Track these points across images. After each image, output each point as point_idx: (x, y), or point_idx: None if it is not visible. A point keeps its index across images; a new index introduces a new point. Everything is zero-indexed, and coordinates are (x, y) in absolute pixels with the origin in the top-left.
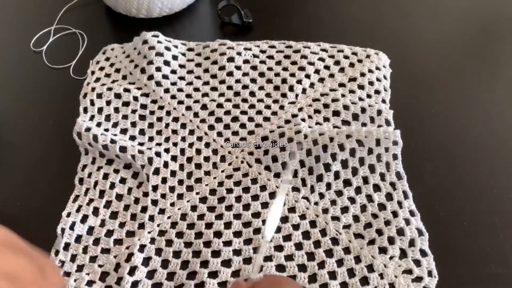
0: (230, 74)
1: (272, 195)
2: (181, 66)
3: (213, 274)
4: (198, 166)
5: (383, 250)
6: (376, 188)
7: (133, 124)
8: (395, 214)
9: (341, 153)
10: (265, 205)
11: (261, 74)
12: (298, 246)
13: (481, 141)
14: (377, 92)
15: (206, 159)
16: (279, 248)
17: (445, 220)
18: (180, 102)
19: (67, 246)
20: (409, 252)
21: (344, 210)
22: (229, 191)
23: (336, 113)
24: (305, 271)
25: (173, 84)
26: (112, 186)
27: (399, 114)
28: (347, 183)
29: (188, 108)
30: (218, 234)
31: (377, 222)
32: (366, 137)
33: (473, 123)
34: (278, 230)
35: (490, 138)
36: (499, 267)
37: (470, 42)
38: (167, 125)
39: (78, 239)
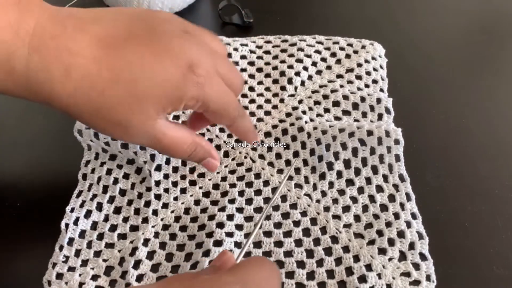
0: None
1: (275, 190)
2: None
3: None
4: None
5: (382, 251)
6: (379, 188)
7: None
8: (396, 216)
9: (343, 152)
10: (267, 200)
11: (259, 70)
12: (298, 243)
13: (482, 142)
14: (374, 81)
15: None
16: (278, 243)
17: (447, 221)
18: None
19: (71, 241)
20: (408, 255)
21: (346, 209)
22: (232, 185)
23: (336, 104)
24: (304, 268)
25: None
26: (116, 181)
27: (401, 114)
28: (350, 182)
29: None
30: (220, 225)
31: (378, 223)
32: (368, 136)
33: (475, 124)
34: (279, 225)
35: (491, 139)
36: (501, 268)
37: (472, 42)
38: None
39: (82, 234)
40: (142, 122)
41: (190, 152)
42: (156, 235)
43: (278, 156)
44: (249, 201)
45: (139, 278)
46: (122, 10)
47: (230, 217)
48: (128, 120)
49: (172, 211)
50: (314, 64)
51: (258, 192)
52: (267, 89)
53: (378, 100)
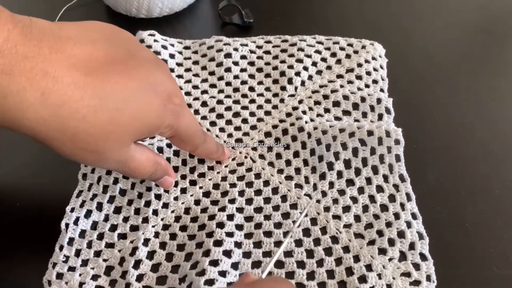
0: (228, 70)
1: (275, 190)
2: (179, 64)
3: (214, 263)
4: (201, 161)
5: (382, 251)
6: (379, 189)
7: None
8: (397, 216)
9: (343, 152)
10: (267, 200)
11: (259, 70)
12: (298, 243)
13: (483, 142)
14: (374, 81)
15: None
16: (278, 244)
17: (447, 221)
18: None
19: (71, 241)
20: (408, 255)
21: (346, 209)
22: (233, 185)
23: (336, 104)
24: (304, 268)
25: None
26: (116, 181)
27: (401, 114)
28: (350, 182)
29: (188, 105)
30: (220, 225)
31: (378, 223)
32: (368, 136)
33: (476, 124)
34: (279, 226)
35: (492, 139)
36: (501, 268)
37: (473, 42)
38: None
39: (82, 234)
40: (117, 149)
41: (151, 172)
42: (156, 235)
43: (279, 156)
44: (249, 201)
45: (139, 278)
46: (97, 27)
47: (230, 217)
48: (103, 147)
49: (172, 211)
50: (314, 64)
51: (258, 192)
52: (267, 89)
53: (378, 100)
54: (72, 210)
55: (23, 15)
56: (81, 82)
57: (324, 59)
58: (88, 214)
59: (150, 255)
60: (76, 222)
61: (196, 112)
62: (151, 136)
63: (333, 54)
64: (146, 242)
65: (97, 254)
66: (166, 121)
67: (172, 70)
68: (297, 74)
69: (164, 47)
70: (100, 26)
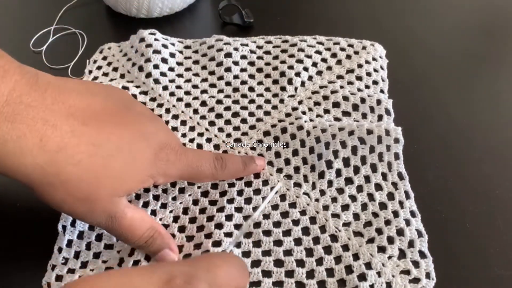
0: (228, 70)
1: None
2: (179, 63)
3: None
4: None
5: (382, 249)
6: (378, 187)
7: None
8: (395, 214)
9: (343, 150)
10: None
11: (259, 70)
12: (297, 242)
13: (484, 142)
14: (375, 82)
15: None
16: (278, 242)
17: (447, 222)
18: (179, 99)
19: (70, 243)
20: (408, 253)
21: (345, 207)
22: (231, 185)
23: (336, 105)
24: (303, 267)
25: (171, 81)
26: None
27: (401, 114)
28: (349, 180)
29: (188, 105)
30: (219, 226)
31: (377, 221)
32: (368, 134)
33: (477, 124)
34: (279, 224)
35: (493, 139)
36: (502, 268)
37: (474, 42)
38: (167, 122)
39: (81, 235)
40: (109, 198)
41: (147, 238)
42: None
43: (278, 155)
44: (248, 201)
45: None
46: (97, 84)
47: (229, 217)
48: (95, 194)
49: (171, 211)
50: (314, 64)
51: (257, 192)
52: (267, 89)
53: (378, 102)
54: None
55: (30, 67)
56: (78, 131)
57: (324, 60)
58: None
59: (149, 255)
60: (73, 223)
61: (195, 111)
62: (145, 186)
63: (334, 55)
64: None
65: (96, 255)
66: (159, 170)
67: (172, 69)
68: (297, 74)
69: (165, 46)
70: (100, 84)
